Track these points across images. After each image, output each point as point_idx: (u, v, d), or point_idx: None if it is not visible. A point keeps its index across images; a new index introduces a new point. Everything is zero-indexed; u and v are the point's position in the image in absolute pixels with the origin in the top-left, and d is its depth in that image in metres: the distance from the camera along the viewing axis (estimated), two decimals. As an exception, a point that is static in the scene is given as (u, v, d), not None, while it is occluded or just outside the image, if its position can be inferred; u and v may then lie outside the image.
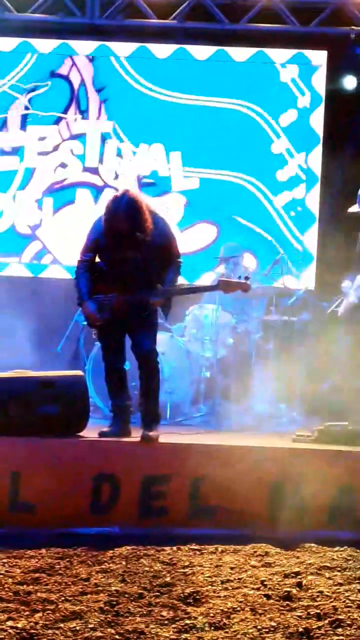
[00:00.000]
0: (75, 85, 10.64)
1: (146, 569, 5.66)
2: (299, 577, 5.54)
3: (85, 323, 7.96)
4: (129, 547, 6.09)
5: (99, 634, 4.55)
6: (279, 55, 10.52)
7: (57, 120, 10.63)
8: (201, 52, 10.53)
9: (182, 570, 5.66)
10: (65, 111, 10.65)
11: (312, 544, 6.37)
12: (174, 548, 6.15)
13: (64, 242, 10.43)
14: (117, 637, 4.54)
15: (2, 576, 5.42)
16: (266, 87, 10.54)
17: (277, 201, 10.52)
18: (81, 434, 7.12)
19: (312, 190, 10.57)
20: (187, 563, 5.82)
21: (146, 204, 7.00)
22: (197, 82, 10.56)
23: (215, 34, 10.52)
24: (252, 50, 10.50)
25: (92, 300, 7.08)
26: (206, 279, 9.93)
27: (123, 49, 10.58)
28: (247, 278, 7.20)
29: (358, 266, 7.94)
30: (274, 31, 10.47)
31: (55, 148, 10.60)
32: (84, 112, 10.66)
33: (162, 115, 10.58)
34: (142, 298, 6.98)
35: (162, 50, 10.56)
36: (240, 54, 10.50)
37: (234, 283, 7.26)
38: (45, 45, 10.57)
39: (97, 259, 7.21)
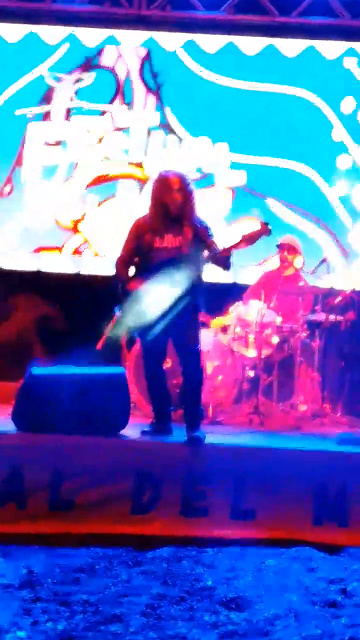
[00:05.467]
0: (121, 77, 10.61)
1: (187, 571, 5.66)
2: (344, 583, 5.51)
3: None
4: (169, 549, 6.08)
5: (140, 638, 4.54)
6: (331, 50, 10.44)
7: (102, 113, 10.60)
8: (251, 46, 10.48)
9: (224, 573, 5.64)
10: (111, 103, 10.62)
11: (357, 549, 6.33)
12: (216, 550, 6.14)
13: (107, 236, 10.43)
14: (159, 642, 4.54)
15: (41, 575, 5.43)
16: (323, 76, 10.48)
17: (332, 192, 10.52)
18: (122, 432, 7.11)
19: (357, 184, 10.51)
20: (229, 566, 5.80)
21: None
22: (248, 72, 10.51)
23: (265, 26, 10.44)
24: (304, 44, 10.44)
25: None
26: (252, 272, 9.92)
27: (171, 41, 10.55)
28: (266, 223, 7.15)
29: None
30: (325, 24, 10.38)
31: (100, 141, 10.58)
32: (129, 105, 10.63)
33: (213, 103, 10.54)
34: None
35: (211, 44, 10.50)
36: (291, 49, 10.45)
37: (255, 233, 7.18)
38: (92, 36, 10.57)
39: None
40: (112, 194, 10.62)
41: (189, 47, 10.52)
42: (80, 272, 10.45)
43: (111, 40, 10.58)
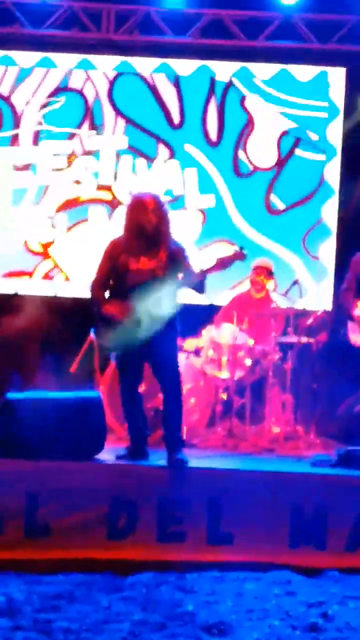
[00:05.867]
0: (90, 100, 10.61)
1: (167, 597, 5.60)
2: (324, 607, 5.48)
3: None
4: (148, 574, 6.03)
5: (123, 666, 4.50)
6: (302, 73, 10.54)
7: (71, 136, 10.59)
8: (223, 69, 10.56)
9: (204, 598, 5.59)
10: (79, 126, 10.61)
11: (334, 572, 6.30)
12: (195, 575, 6.09)
13: (77, 260, 10.41)
14: (142, 670, 4.49)
15: (20, 603, 5.36)
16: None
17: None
18: (97, 456, 7.05)
19: (328, 202, 10.58)
20: (208, 591, 5.76)
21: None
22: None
23: (234, 50, 10.48)
24: (276, 68, 10.52)
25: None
26: (226, 295, 9.89)
27: (145, 65, 10.58)
28: (241, 248, 7.18)
29: None
30: (293, 48, 10.45)
31: (69, 164, 10.57)
32: (98, 128, 10.62)
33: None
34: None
35: (184, 67, 10.56)
36: (263, 71, 10.54)
37: (230, 257, 7.16)
38: (66, 60, 10.58)
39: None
40: (82, 218, 10.60)
41: (164, 70, 10.59)
42: (57, 295, 10.43)
43: (85, 64, 10.60)
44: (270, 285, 9.40)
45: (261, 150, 10.63)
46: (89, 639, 4.79)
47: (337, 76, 10.54)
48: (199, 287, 7.09)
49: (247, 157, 10.61)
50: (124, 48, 10.49)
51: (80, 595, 5.58)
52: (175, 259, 7.03)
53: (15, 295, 10.36)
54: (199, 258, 9.42)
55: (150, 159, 10.58)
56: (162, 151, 10.60)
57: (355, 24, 10.24)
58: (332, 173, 10.56)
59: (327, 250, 10.51)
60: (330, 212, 10.56)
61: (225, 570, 6.19)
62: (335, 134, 10.55)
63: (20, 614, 5.15)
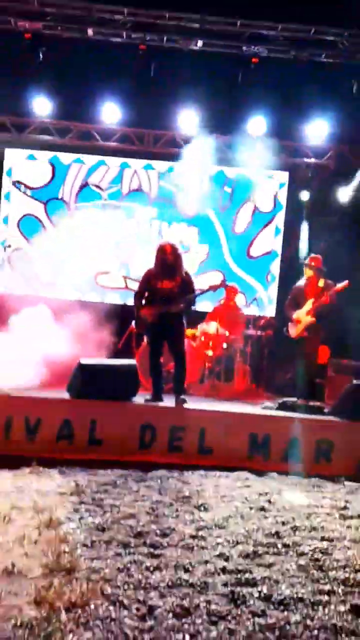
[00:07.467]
0: (133, 187, 10.40)
1: (173, 485, 5.34)
2: (268, 495, 5.22)
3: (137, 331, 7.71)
4: (162, 471, 5.76)
5: (146, 529, 4.24)
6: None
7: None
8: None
9: (195, 487, 5.34)
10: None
11: (274, 473, 6.03)
12: (189, 472, 5.82)
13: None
14: (158, 531, 4.22)
15: (84, 486, 5.10)
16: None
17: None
18: (133, 399, 6.79)
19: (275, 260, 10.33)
20: (198, 483, 5.50)
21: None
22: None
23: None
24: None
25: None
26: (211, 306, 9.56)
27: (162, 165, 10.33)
28: (225, 280, 6.98)
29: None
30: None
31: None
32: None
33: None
34: (172, 306, 6.68)
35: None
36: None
37: (218, 285, 7.12)
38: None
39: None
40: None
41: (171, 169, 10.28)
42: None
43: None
44: (238, 299, 9.17)
45: (241, 220, 10.34)
46: (125, 511, 4.53)
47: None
48: (191, 305, 6.83)
49: (235, 223, 10.33)
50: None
51: (120, 483, 5.32)
52: (186, 282, 6.77)
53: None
54: (200, 281, 9.12)
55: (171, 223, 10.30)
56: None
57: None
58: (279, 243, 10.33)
59: (274, 283, 10.25)
60: (276, 266, 10.30)
61: (208, 470, 5.91)
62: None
63: (84, 494, 4.90)
